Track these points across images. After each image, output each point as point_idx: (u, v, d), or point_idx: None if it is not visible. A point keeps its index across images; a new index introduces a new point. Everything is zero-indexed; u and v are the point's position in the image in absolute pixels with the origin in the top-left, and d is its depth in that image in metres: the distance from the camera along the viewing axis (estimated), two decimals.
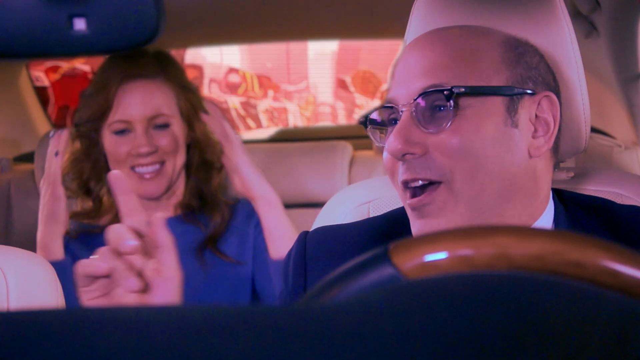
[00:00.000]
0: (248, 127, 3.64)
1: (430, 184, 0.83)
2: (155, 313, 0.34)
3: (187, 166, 1.58)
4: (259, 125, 3.70)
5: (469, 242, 0.44)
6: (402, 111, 0.83)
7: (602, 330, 0.36)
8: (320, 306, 0.39)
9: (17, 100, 2.28)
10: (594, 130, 1.88)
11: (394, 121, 0.86)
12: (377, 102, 4.08)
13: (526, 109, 0.85)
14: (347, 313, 0.35)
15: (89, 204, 1.59)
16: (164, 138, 1.50)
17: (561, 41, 0.94)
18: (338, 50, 4.15)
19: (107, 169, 1.55)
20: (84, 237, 1.56)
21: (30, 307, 0.96)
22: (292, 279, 0.93)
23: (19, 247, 1.06)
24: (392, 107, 0.85)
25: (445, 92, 0.80)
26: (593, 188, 1.04)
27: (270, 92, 3.54)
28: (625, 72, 1.73)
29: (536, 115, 0.86)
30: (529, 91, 0.85)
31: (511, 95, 0.83)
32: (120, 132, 1.50)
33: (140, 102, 1.49)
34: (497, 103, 0.83)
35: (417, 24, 1.01)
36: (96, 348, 0.30)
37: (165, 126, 1.51)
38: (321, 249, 0.94)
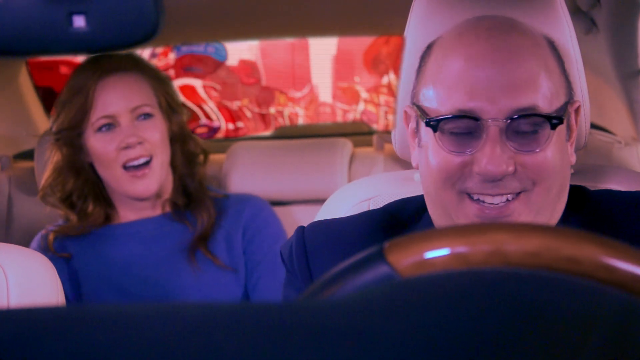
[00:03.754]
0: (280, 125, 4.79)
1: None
2: (154, 310, 0.34)
3: (171, 162, 1.56)
4: (285, 124, 4.79)
5: (465, 239, 0.44)
6: (489, 126, 0.81)
7: (600, 326, 0.36)
8: (317, 304, 0.39)
9: (17, 97, 2.27)
10: (593, 126, 1.88)
11: (468, 130, 0.82)
12: (362, 106, 4.70)
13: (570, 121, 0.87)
14: (344, 311, 0.35)
15: (73, 216, 1.55)
16: (148, 130, 1.49)
17: (561, 37, 0.94)
18: (336, 54, 4.73)
19: (92, 180, 1.53)
20: (74, 238, 1.55)
21: (30, 304, 0.96)
22: (298, 273, 0.93)
23: (19, 244, 1.06)
24: (473, 118, 0.82)
25: (553, 121, 0.81)
26: (592, 184, 1.04)
27: (290, 103, 4.59)
28: (625, 68, 1.73)
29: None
30: (571, 101, 0.86)
31: (568, 109, 0.86)
32: (105, 129, 1.48)
33: (121, 95, 1.48)
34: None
35: (417, 19, 1.01)
36: (95, 345, 0.30)
37: (148, 116, 1.50)
38: (321, 242, 0.94)
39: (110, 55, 1.49)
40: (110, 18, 0.78)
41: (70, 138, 1.50)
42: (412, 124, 0.92)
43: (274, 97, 4.29)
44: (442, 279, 0.40)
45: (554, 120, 0.81)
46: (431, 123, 0.84)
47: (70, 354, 0.29)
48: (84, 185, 1.53)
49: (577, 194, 0.92)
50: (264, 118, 4.25)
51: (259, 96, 4.22)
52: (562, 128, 0.84)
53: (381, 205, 1.05)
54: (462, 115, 0.82)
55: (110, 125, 1.48)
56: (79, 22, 0.71)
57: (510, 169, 0.81)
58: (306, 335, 0.32)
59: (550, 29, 0.94)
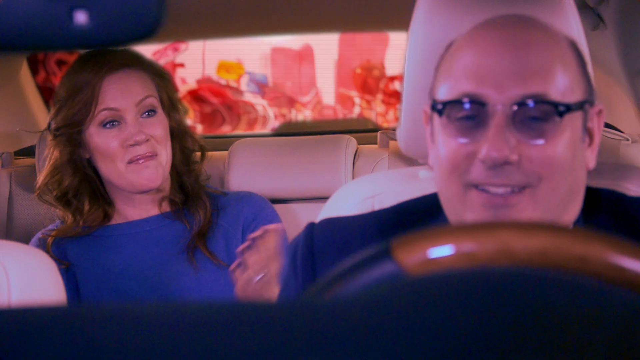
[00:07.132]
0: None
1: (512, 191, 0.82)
2: (157, 309, 0.34)
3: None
4: None
5: (472, 237, 0.43)
6: (495, 112, 0.80)
7: (607, 326, 0.35)
8: (324, 302, 0.38)
9: (18, 94, 2.27)
10: None
11: (472, 118, 0.82)
12: (356, 111, 5.37)
13: (587, 122, 0.85)
14: (350, 309, 0.35)
15: (69, 216, 1.54)
16: (153, 126, 1.48)
17: (568, 33, 0.93)
18: (338, 59, 5.32)
19: (89, 177, 1.52)
20: (72, 240, 1.53)
21: (31, 302, 0.96)
22: (300, 270, 0.92)
23: (20, 241, 1.06)
24: (479, 103, 0.81)
25: (560, 108, 0.79)
26: (600, 182, 1.03)
27: (302, 108, 5.62)
28: (633, 64, 1.72)
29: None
30: (590, 102, 0.85)
31: (586, 109, 0.84)
32: (110, 125, 1.46)
33: (126, 90, 1.47)
34: (578, 117, 0.83)
35: (422, 17, 1.00)
36: (97, 343, 0.30)
37: (152, 112, 1.49)
38: (329, 240, 0.93)
39: (111, 51, 1.48)
40: (111, 14, 0.77)
41: (70, 134, 1.48)
42: (429, 124, 0.91)
43: (293, 103, 5.50)
44: (449, 277, 0.40)
45: (561, 107, 0.80)
46: (437, 107, 0.84)
47: (71, 352, 0.30)
48: (80, 183, 1.52)
49: (614, 201, 0.91)
50: (290, 120, 5.61)
51: (286, 103, 5.49)
52: (576, 127, 0.82)
53: (385, 202, 1.04)
54: (468, 100, 0.82)
55: (115, 121, 1.47)
56: (80, 17, 0.71)
57: (514, 157, 0.80)
58: (313, 333, 0.32)
59: (558, 24, 0.93)
